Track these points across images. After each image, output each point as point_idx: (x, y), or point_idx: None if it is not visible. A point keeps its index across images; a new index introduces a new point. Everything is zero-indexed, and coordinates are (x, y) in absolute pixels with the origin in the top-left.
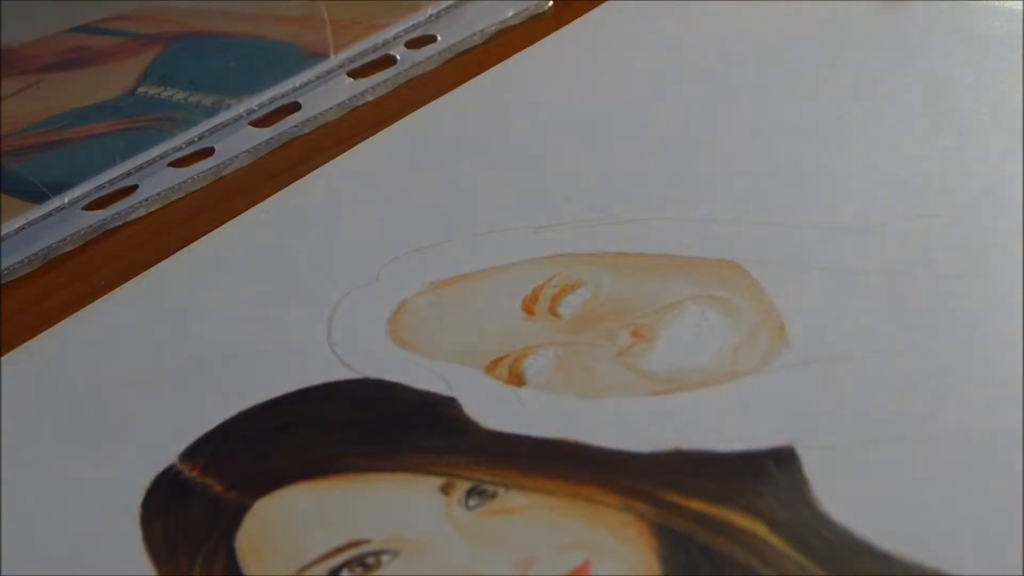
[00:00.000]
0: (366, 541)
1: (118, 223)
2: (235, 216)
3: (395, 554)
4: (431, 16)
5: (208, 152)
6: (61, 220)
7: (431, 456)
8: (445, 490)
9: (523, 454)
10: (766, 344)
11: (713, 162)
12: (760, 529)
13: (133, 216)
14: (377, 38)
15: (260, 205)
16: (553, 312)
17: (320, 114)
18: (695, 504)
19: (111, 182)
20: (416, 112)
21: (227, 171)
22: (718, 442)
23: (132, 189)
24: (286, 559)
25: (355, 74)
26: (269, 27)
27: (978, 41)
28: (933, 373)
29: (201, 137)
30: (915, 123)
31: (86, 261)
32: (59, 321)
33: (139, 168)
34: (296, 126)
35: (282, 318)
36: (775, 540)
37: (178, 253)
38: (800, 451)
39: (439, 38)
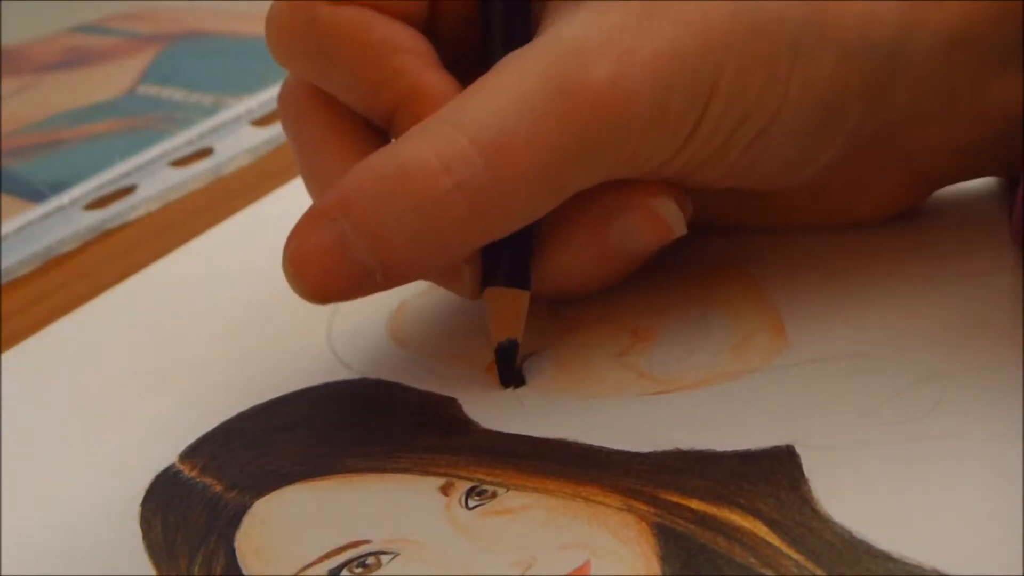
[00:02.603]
0: (366, 541)
1: (118, 223)
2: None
3: (395, 554)
4: None
5: (208, 152)
6: (61, 220)
7: (431, 456)
8: (445, 490)
9: (523, 454)
10: (766, 344)
11: None
12: (760, 529)
13: (133, 216)
14: None
15: (259, 203)
16: (553, 312)
17: None
18: (695, 504)
19: (111, 182)
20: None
21: (227, 171)
22: (718, 442)
23: (132, 189)
24: (286, 559)
25: None
26: None
27: None
28: (933, 373)
29: (201, 137)
30: None
31: (86, 261)
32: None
33: (139, 168)
34: None
35: (282, 318)
36: (775, 540)
37: (177, 252)
38: (800, 451)
39: None
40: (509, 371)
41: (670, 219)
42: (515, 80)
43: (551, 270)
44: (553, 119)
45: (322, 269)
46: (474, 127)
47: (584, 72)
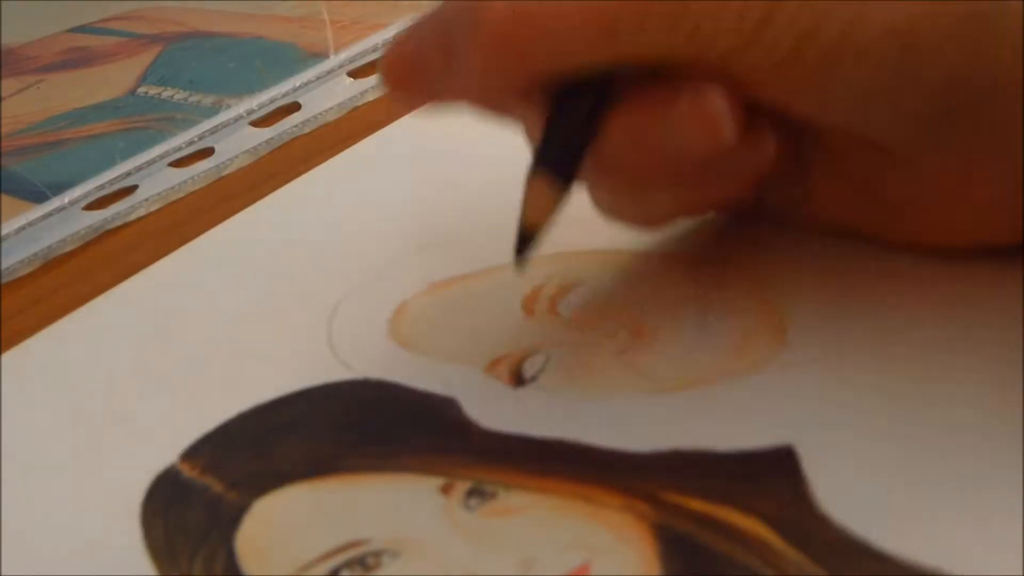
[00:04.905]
0: (366, 541)
1: (118, 223)
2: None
3: (395, 554)
4: None
5: (208, 152)
6: (61, 220)
7: (431, 456)
8: (445, 490)
9: (523, 454)
10: (766, 344)
11: None
12: (760, 529)
13: (133, 216)
14: (377, 38)
15: (259, 204)
16: (553, 311)
17: (320, 114)
18: (695, 504)
19: (111, 182)
20: (416, 112)
21: (227, 171)
22: (718, 442)
23: (132, 189)
24: (286, 559)
25: (355, 74)
26: (269, 27)
27: None
28: (933, 373)
29: (201, 137)
30: None
31: (86, 261)
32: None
33: (139, 168)
34: (296, 126)
35: (282, 318)
36: (775, 540)
37: (178, 252)
38: (800, 451)
39: None
40: (522, 254)
41: (718, 113)
42: None
43: (602, 154)
44: None
45: (399, 61)
46: None
47: None
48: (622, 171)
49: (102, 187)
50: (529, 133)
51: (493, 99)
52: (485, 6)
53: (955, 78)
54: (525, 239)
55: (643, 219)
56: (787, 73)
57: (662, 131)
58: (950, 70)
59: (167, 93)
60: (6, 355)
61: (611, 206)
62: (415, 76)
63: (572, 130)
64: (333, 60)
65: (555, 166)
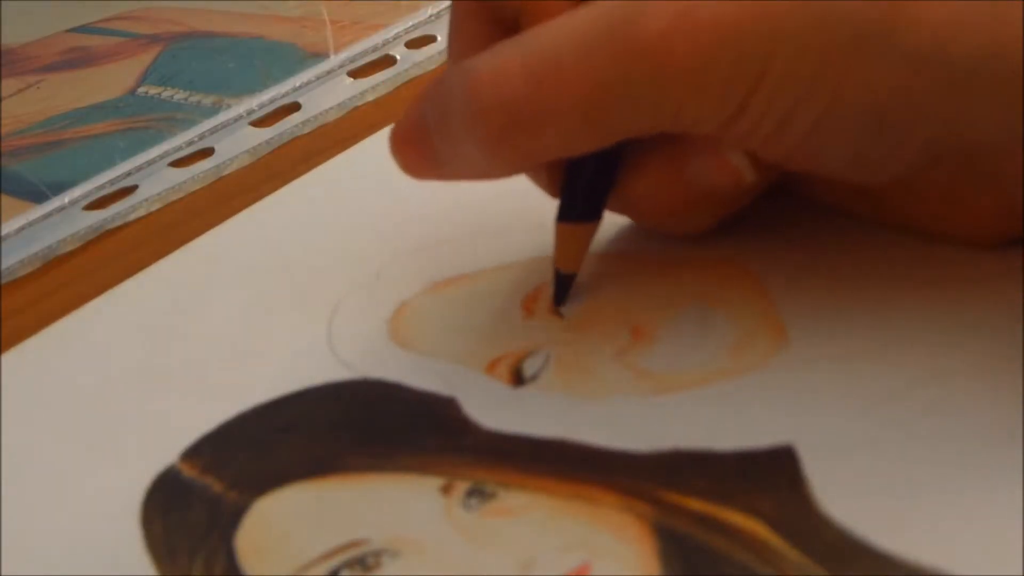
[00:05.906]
0: (366, 541)
1: (118, 223)
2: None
3: (395, 554)
4: (431, 16)
5: (208, 152)
6: (61, 220)
7: (431, 456)
8: (445, 490)
9: (523, 454)
10: (766, 343)
11: None
12: (760, 529)
13: (133, 216)
14: (377, 38)
15: (259, 204)
16: (553, 312)
17: (320, 114)
18: (695, 504)
19: (111, 182)
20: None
21: (227, 171)
22: (718, 441)
23: (132, 189)
24: (286, 559)
25: (355, 74)
26: (269, 27)
27: None
28: (933, 373)
29: (201, 137)
30: None
31: (86, 261)
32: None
33: (139, 168)
34: (296, 126)
35: (282, 318)
36: (774, 540)
37: (178, 252)
38: (800, 451)
39: (439, 38)
40: (561, 297)
41: (739, 165)
42: (581, 18)
43: (629, 194)
44: (600, 58)
45: (407, 144)
46: (531, 51)
47: (638, 23)
48: (648, 209)
49: (102, 187)
50: (539, 183)
51: (499, 176)
52: (473, 91)
53: (936, 139)
54: (561, 285)
55: (677, 232)
56: (773, 148)
57: (686, 179)
58: (929, 135)
59: (167, 93)
60: (6, 355)
61: (642, 223)
62: (421, 154)
63: (591, 177)
64: (333, 60)
65: (580, 214)
